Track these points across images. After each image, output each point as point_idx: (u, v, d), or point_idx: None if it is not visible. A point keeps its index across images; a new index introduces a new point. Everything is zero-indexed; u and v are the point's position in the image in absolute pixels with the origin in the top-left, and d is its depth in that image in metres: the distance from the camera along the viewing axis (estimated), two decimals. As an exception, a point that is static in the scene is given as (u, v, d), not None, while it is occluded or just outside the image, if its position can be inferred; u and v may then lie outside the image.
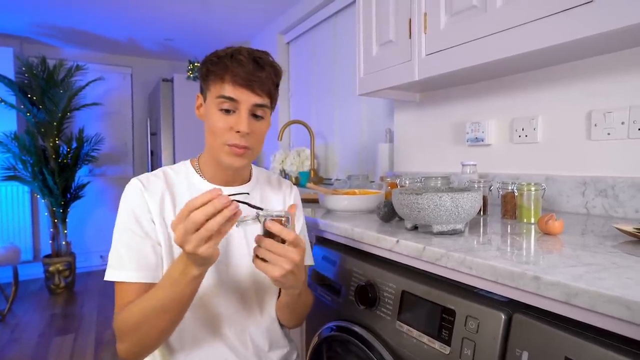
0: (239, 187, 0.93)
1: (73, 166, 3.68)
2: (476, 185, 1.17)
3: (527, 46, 0.98)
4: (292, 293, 0.83)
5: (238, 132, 0.82)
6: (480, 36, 1.09)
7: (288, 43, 3.25)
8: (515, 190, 1.05)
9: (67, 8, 3.05)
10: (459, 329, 0.69)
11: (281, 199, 1.01)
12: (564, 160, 1.22)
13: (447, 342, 0.71)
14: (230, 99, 0.81)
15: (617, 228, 0.81)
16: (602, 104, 1.12)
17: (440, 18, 1.21)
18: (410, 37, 1.32)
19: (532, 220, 1.00)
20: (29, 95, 3.53)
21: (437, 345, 0.73)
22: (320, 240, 1.19)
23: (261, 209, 0.73)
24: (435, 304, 0.75)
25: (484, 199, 1.17)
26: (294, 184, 1.09)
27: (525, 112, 1.32)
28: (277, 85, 0.88)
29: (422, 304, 0.78)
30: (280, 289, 0.96)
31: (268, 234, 0.71)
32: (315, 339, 1.08)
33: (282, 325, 0.99)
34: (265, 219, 0.72)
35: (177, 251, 0.83)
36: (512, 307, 0.64)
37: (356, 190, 1.38)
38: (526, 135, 1.31)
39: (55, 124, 3.55)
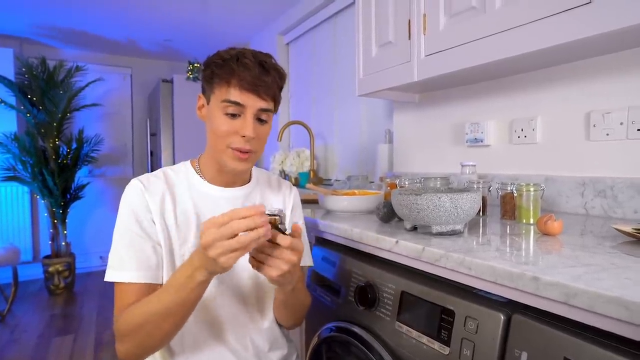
0: (239, 188, 0.93)
1: (73, 167, 3.68)
2: (475, 186, 1.17)
3: (526, 47, 0.98)
4: (285, 290, 0.83)
5: (243, 136, 0.82)
6: (479, 37, 1.09)
7: (288, 44, 3.25)
8: (515, 191, 1.05)
9: (66, 9, 3.05)
10: (458, 330, 0.69)
11: (281, 199, 1.01)
12: (563, 160, 1.22)
13: (447, 343, 0.71)
14: (236, 103, 0.81)
15: (616, 229, 0.81)
16: (601, 105, 1.12)
17: (439, 19, 1.21)
18: (409, 38, 1.32)
19: (531, 221, 1.00)
20: (29, 96, 3.53)
21: (436, 345, 0.73)
22: (320, 241, 1.19)
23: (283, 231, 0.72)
24: (435, 305, 0.75)
25: (483, 199, 1.17)
26: (294, 185, 1.09)
27: (525, 112, 1.33)
28: (281, 89, 0.88)
29: (421, 305, 0.78)
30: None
31: None
32: (314, 340, 1.08)
33: (281, 326, 0.99)
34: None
35: (178, 252, 0.83)
36: (511, 307, 0.64)
37: (356, 191, 1.38)
38: (525, 136, 1.31)
39: (55, 124, 3.56)
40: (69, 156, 3.67)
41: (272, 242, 0.70)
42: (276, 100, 0.87)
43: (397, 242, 0.85)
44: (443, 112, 1.64)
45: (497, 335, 0.63)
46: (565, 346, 0.54)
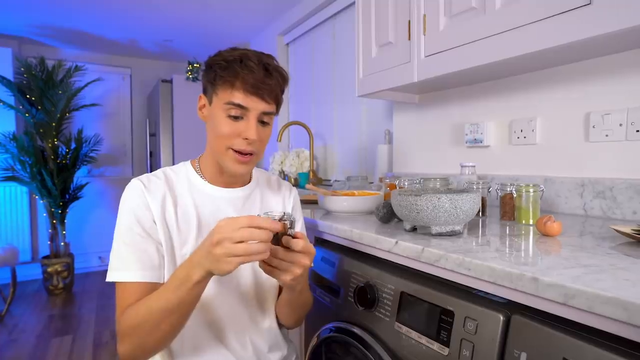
0: (239, 189, 0.93)
1: (72, 167, 3.68)
2: (475, 187, 1.17)
3: (525, 48, 0.98)
4: (295, 290, 0.84)
5: (245, 139, 0.82)
6: (479, 38, 1.09)
7: (287, 44, 3.25)
8: (514, 192, 1.06)
9: (66, 8, 3.05)
10: (457, 330, 0.70)
11: (280, 200, 1.01)
12: (562, 161, 1.23)
13: (446, 343, 0.71)
14: (240, 106, 0.81)
15: (615, 229, 0.81)
16: (601, 106, 1.12)
17: (439, 20, 1.21)
18: (409, 39, 1.32)
19: (531, 222, 1.00)
20: (28, 96, 3.53)
21: (435, 346, 0.73)
22: (320, 242, 1.19)
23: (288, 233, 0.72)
24: (434, 305, 0.75)
25: (483, 200, 1.17)
26: (293, 185, 1.09)
27: (524, 113, 1.33)
28: (283, 91, 0.89)
29: (420, 305, 0.78)
30: (279, 288, 0.97)
31: (274, 237, 0.71)
32: (314, 340, 1.08)
33: (281, 326, 0.99)
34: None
35: (178, 253, 0.83)
36: (510, 308, 0.64)
37: (355, 192, 1.38)
38: (525, 137, 1.32)
39: (54, 124, 3.55)
40: (68, 156, 3.67)
41: (284, 247, 0.71)
42: (278, 103, 0.88)
43: (396, 242, 0.85)
44: (443, 113, 1.64)
45: (496, 335, 0.63)
46: (564, 347, 0.54)
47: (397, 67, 1.38)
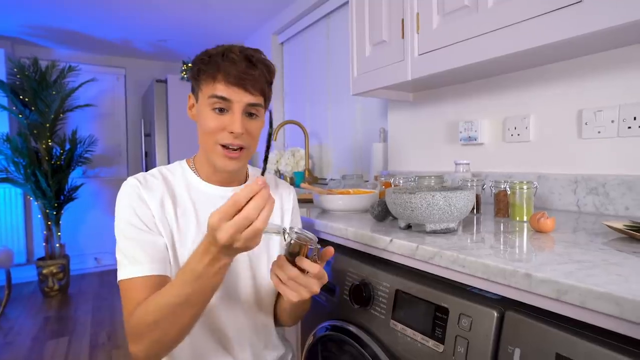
0: (236, 188, 0.93)
1: (66, 168, 3.66)
2: (469, 184, 1.17)
3: (518, 45, 0.99)
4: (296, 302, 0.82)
5: (231, 132, 0.81)
6: (472, 36, 1.09)
7: (282, 43, 3.25)
8: (508, 189, 1.06)
9: (59, 9, 3.03)
10: (452, 327, 0.70)
11: (278, 199, 1.00)
12: (555, 158, 1.23)
13: (441, 340, 0.71)
14: (223, 98, 0.80)
15: (607, 225, 0.82)
16: (593, 103, 1.13)
17: (432, 18, 1.22)
18: (403, 37, 1.33)
19: (525, 218, 1.01)
20: (21, 97, 3.51)
21: (430, 343, 0.73)
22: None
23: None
24: (429, 303, 0.76)
25: (477, 197, 1.17)
26: (291, 185, 1.08)
27: (518, 111, 1.33)
28: (270, 84, 0.87)
29: (415, 303, 0.79)
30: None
31: (290, 253, 0.71)
32: (310, 339, 1.08)
33: (279, 325, 0.99)
34: (291, 240, 0.71)
35: (179, 251, 0.83)
36: (504, 304, 0.65)
37: (350, 190, 1.38)
38: (518, 134, 1.32)
39: (47, 125, 3.53)
40: (63, 157, 3.65)
41: (299, 268, 0.70)
42: (265, 95, 0.86)
43: (391, 240, 0.85)
44: (437, 111, 1.65)
45: (490, 332, 0.64)
46: (557, 342, 0.55)
47: (391, 65, 1.38)
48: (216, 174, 0.90)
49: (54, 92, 3.55)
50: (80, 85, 3.70)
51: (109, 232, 0.84)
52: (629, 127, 1.05)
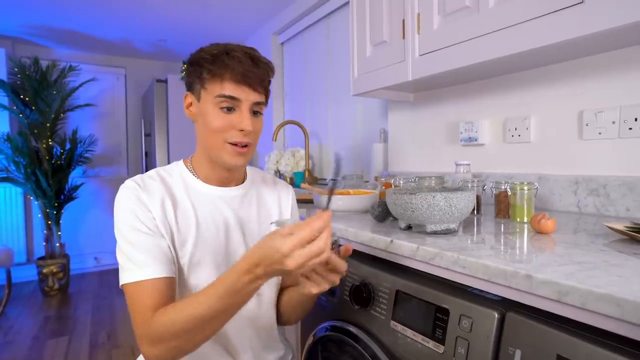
0: (235, 188, 0.93)
1: (67, 167, 3.66)
2: (470, 185, 1.17)
3: (519, 46, 0.99)
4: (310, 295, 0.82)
5: (241, 130, 0.82)
6: (473, 36, 1.09)
7: (282, 43, 3.25)
8: (509, 190, 1.06)
9: (60, 8, 3.03)
10: (452, 328, 0.70)
11: (276, 199, 1.00)
12: (556, 159, 1.23)
13: (441, 341, 0.71)
14: (232, 97, 0.80)
15: (608, 226, 0.82)
16: (594, 104, 1.13)
17: (433, 18, 1.22)
18: (403, 38, 1.33)
19: (525, 219, 1.01)
20: (22, 96, 3.51)
21: (431, 344, 0.73)
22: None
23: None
24: (429, 303, 0.76)
25: (478, 198, 1.17)
26: (289, 184, 1.08)
27: (518, 111, 1.33)
28: (270, 82, 0.88)
29: (416, 304, 0.79)
30: (280, 290, 0.97)
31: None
32: (310, 339, 1.08)
33: (281, 323, 0.99)
34: None
35: (179, 253, 0.82)
36: (505, 305, 0.65)
37: (350, 190, 1.38)
38: (519, 135, 1.32)
39: (48, 125, 3.53)
40: (63, 157, 3.65)
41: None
42: (267, 93, 0.88)
43: (391, 241, 0.85)
44: (437, 111, 1.65)
45: (491, 333, 0.64)
46: (558, 343, 0.54)
47: (392, 65, 1.38)
48: (215, 174, 0.89)
49: (54, 92, 3.55)
50: (80, 85, 3.71)
51: (109, 232, 0.83)
52: (630, 128, 1.05)
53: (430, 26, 1.23)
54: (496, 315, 0.64)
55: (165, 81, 3.82)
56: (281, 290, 0.99)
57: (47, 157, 3.53)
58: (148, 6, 2.99)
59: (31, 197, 3.73)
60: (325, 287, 0.71)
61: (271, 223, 0.95)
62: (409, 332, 0.79)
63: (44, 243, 3.63)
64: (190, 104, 0.88)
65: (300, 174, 2.62)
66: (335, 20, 2.53)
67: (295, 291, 0.93)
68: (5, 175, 3.47)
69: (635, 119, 1.04)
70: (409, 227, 0.95)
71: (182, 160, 0.93)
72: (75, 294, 3.55)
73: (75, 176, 3.96)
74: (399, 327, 0.81)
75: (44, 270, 3.45)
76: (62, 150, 3.65)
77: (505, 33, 1.01)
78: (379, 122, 2.11)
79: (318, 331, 1.06)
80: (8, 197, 3.81)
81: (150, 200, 0.81)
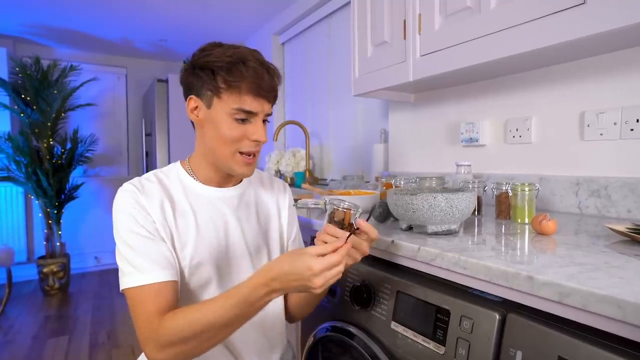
0: (232, 188, 0.93)
1: (67, 167, 3.66)
2: (470, 186, 1.17)
3: (520, 47, 0.99)
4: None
5: (256, 141, 0.83)
6: (474, 37, 1.09)
7: (283, 44, 3.25)
8: (510, 191, 1.06)
9: (61, 8, 3.03)
10: (453, 329, 0.70)
11: (274, 198, 1.00)
12: (557, 160, 1.23)
13: (442, 342, 0.71)
14: (250, 112, 0.81)
15: (609, 228, 0.81)
16: (595, 105, 1.13)
17: (434, 19, 1.22)
18: (404, 38, 1.33)
19: (526, 220, 1.00)
20: (23, 96, 3.51)
21: (432, 345, 0.73)
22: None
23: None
24: (430, 304, 0.75)
25: (479, 199, 1.17)
26: (290, 185, 1.09)
27: (519, 112, 1.33)
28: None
29: (417, 304, 0.79)
30: None
31: (337, 222, 0.76)
32: (310, 340, 1.08)
33: (287, 320, 0.99)
34: (336, 209, 0.76)
35: (180, 254, 0.82)
36: (506, 306, 0.65)
37: (351, 191, 1.38)
38: (520, 136, 1.32)
39: (49, 124, 3.54)
40: (64, 156, 3.65)
41: (353, 233, 0.74)
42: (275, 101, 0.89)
43: (392, 241, 0.85)
44: (438, 112, 1.65)
45: (492, 334, 0.63)
46: (559, 345, 0.54)
47: (393, 66, 1.38)
48: (215, 175, 0.89)
49: (55, 91, 3.55)
50: (81, 85, 3.71)
51: (110, 232, 0.83)
52: (632, 130, 1.05)
53: (431, 27, 1.23)
54: (497, 317, 0.64)
55: (166, 81, 3.82)
56: None
57: (47, 157, 3.53)
58: (148, 6, 2.99)
59: (32, 197, 3.73)
60: (357, 257, 0.77)
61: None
62: (410, 333, 0.78)
63: (45, 242, 3.63)
64: (196, 108, 0.85)
65: (301, 174, 2.62)
66: (337, 20, 2.53)
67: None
68: (6, 175, 3.47)
69: (637, 120, 1.03)
70: (409, 228, 0.95)
71: (179, 161, 0.92)
72: (75, 294, 3.56)
73: (75, 176, 3.97)
74: (400, 328, 0.81)
75: (45, 270, 3.45)
76: (62, 150, 3.66)
77: (507, 34, 1.01)
78: (380, 123, 2.11)
79: (318, 331, 1.06)
80: (9, 196, 3.81)
81: (149, 203, 0.81)
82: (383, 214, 1.07)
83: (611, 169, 1.10)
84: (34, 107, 3.50)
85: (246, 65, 0.79)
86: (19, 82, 3.54)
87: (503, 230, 0.94)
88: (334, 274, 0.68)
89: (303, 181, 2.59)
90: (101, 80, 4.27)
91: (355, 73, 1.58)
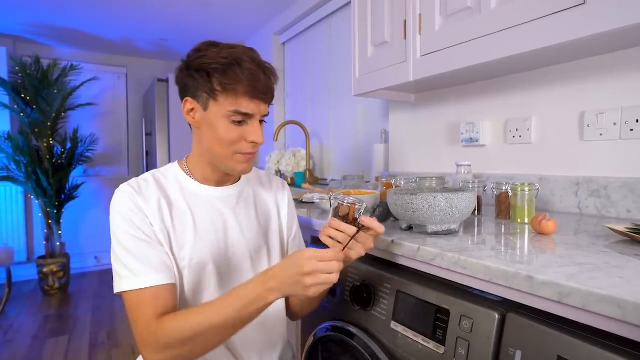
0: (230, 187, 0.92)
1: (67, 166, 3.66)
2: (470, 186, 1.17)
3: (521, 47, 0.99)
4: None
5: (253, 142, 0.83)
6: (474, 37, 1.09)
7: (284, 44, 3.25)
8: (509, 191, 1.06)
9: (61, 7, 3.03)
10: (453, 329, 0.70)
11: (273, 196, 1.00)
12: (557, 160, 1.23)
13: (442, 342, 0.71)
14: (247, 114, 0.81)
15: (609, 228, 0.82)
16: (595, 105, 1.13)
17: (435, 19, 1.22)
18: (405, 38, 1.33)
19: (526, 220, 1.01)
20: (23, 95, 3.51)
21: (431, 345, 0.73)
22: (316, 241, 1.19)
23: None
24: (430, 304, 0.76)
25: (479, 199, 1.17)
26: (290, 185, 1.09)
27: (520, 113, 1.33)
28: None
29: (417, 304, 0.79)
30: None
31: (341, 217, 0.76)
32: (310, 340, 1.08)
33: (289, 318, 0.99)
34: (343, 202, 0.77)
35: (178, 255, 0.82)
36: (505, 306, 0.65)
37: (351, 191, 1.38)
38: (520, 136, 1.32)
39: (49, 124, 3.53)
40: (64, 156, 3.65)
41: (357, 228, 0.75)
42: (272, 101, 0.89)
43: (392, 241, 0.85)
44: (439, 112, 1.65)
45: (491, 334, 0.64)
46: (559, 344, 0.54)
47: (393, 66, 1.38)
48: (213, 175, 0.89)
49: (55, 91, 3.55)
50: (81, 84, 3.71)
51: (109, 231, 0.83)
52: (631, 130, 1.05)
53: (431, 27, 1.23)
54: (497, 316, 0.64)
55: (167, 80, 3.82)
56: None
57: (47, 156, 3.53)
58: (148, 5, 2.99)
59: (32, 196, 3.73)
60: (361, 252, 0.77)
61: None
62: (410, 333, 0.79)
63: (45, 242, 3.63)
64: (192, 110, 0.84)
65: (301, 174, 2.62)
66: (337, 20, 2.53)
67: None
68: (5, 174, 3.47)
69: (637, 120, 1.04)
70: (409, 228, 0.95)
71: (176, 161, 0.92)
72: (75, 293, 3.55)
73: (76, 175, 3.96)
74: (400, 328, 0.81)
75: (44, 270, 3.45)
76: (62, 150, 3.65)
77: (507, 34, 1.01)
78: (380, 123, 2.11)
79: (318, 331, 1.06)
80: (9, 196, 3.81)
81: (147, 204, 0.80)
82: (383, 214, 1.07)
83: (611, 169, 1.10)
84: (34, 107, 3.50)
85: (242, 67, 0.78)
86: (19, 81, 3.53)
87: (503, 230, 0.94)
88: (325, 268, 0.68)
89: (303, 181, 2.59)
90: (101, 80, 4.26)
91: (356, 73, 1.58)
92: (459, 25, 1.14)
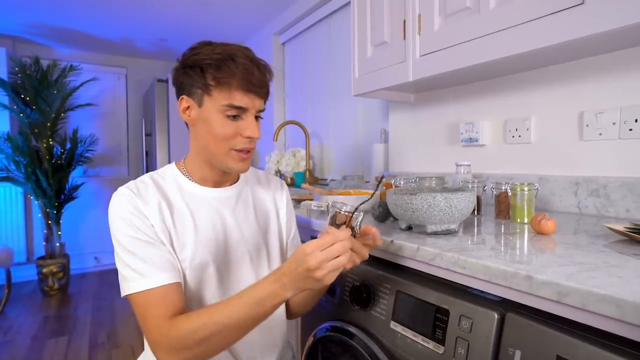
0: (229, 188, 0.92)
1: (67, 167, 3.66)
2: (470, 186, 1.17)
3: (520, 47, 0.99)
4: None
5: (247, 137, 0.82)
6: (473, 37, 1.09)
7: (283, 44, 3.25)
8: (509, 190, 1.06)
9: (60, 8, 3.03)
10: (452, 329, 0.70)
11: (271, 196, 1.00)
12: (556, 160, 1.23)
13: (441, 342, 0.71)
14: (240, 107, 0.80)
15: (608, 227, 0.82)
16: (594, 105, 1.13)
17: (434, 19, 1.22)
18: (404, 38, 1.33)
19: (525, 220, 1.01)
20: (22, 96, 3.51)
21: (431, 345, 0.73)
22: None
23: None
24: (430, 304, 0.76)
25: (478, 199, 1.17)
26: (290, 185, 1.09)
27: (519, 112, 1.33)
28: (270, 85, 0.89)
29: (416, 304, 0.79)
30: None
31: (338, 225, 0.76)
32: (310, 339, 1.08)
33: (288, 317, 0.99)
34: (338, 212, 0.76)
35: (179, 256, 0.82)
36: (505, 306, 0.65)
37: (351, 191, 1.38)
38: (519, 136, 1.32)
39: (49, 124, 3.53)
40: (63, 156, 3.65)
41: (354, 236, 0.75)
42: (268, 97, 0.88)
43: (392, 241, 0.85)
44: (438, 112, 1.65)
45: (491, 333, 0.64)
46: (558, 344, 0.54)
47: (393, 66, 1.38)
48: (211, 175, 0.89)
49: (55, 91, 3.55)
50: (81, 85, 3.70)
51: (109, 232, 0.83)
52: (630, 129, 1.05)
53: (431, 27, 1.23)
54: (496, 316, 0.64)
55: (167, 81, 3.82)
56: None
57: (47, 157, 3.53)
58: (148, 5, 2.99)
59: (31, 197, 3.73)
60: (357, 260, 0.76)
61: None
62: (409, 333, 0.79)
63: (44, 243, 3.63)
64: (188, 108, 0.85)
65: (301, 174, 2.62)
66: (337, 20, 2.53)
67: None
68: (5, 175, 3.47)
69: (636, 120, 1.04)
70: (409, 228, 0.95)
71: (174, 162, 0.92)
72: (75, 294, 3.55)
73: (75, 176, 3.96)
74: (399, 328, 0.81)
75: (44, 270, 3.45)
76: (62, 150, 3.65)
77: (506, 34, 1.01)
78: (380, 123, 2.11)
79: (318, 331, 1.06)
80: (8, 196, 3.81)
81: (147, 206, 0.80)
82: (383, 214, 1.07)
83: (610, 169, 1.10)
84: (34, 107, 3.50)
85: (235, 62, 0.79)
86: (19, 82, 3.53)
87: (502, 230, 0.94)
88: (329, 253, 0.67)
89: (303, 181, 2.59)
90: (101, 80, 4.26)
91: (355, 73, 1.58)
92: (458, 26, 1.14)
